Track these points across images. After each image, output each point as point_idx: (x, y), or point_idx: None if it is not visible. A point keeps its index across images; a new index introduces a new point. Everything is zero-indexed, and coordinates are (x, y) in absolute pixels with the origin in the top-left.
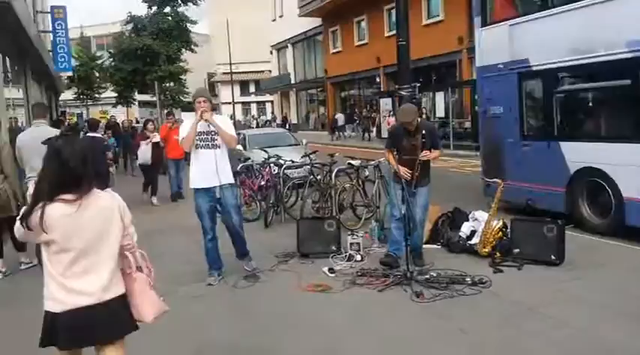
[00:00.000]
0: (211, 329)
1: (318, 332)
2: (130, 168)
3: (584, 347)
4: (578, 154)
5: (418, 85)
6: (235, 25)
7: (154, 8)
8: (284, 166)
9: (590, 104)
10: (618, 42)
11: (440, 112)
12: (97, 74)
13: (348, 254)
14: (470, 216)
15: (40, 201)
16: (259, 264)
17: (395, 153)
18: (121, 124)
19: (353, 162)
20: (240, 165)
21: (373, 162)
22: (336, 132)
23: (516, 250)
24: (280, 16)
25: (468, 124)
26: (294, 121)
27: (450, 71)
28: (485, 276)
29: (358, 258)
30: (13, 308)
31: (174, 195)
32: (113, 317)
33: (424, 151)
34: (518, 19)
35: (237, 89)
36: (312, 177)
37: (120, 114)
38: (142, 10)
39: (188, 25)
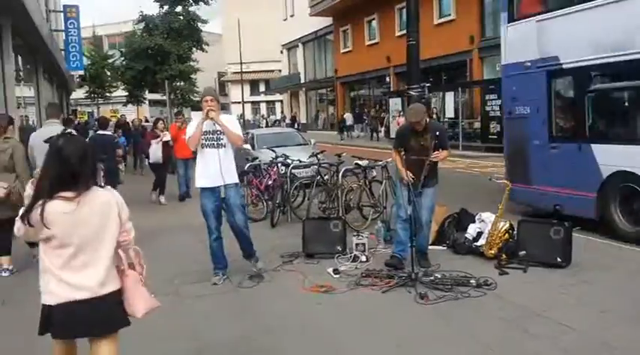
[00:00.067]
0: (214, 329)
1: (321, 333)
2: (139, 167)
3: (589, 350)
4: (611, 157)
5: (428, 85)
6: (246, 24)
7: (166, 7)
8: (291, 166)
9: (626, 104)
10: None
11: (450, 112)
12: (108, 73)
13: (353, 254)
14: (477, 217)
15: (40, 198)
16: (264, 264)
17: (402, 153)
18: (131, 123)
19: (360, 162)
20: (248, 164)
21: (381, 163)
22: (345, 132)
23: (522, 252)
24: (291, 16)
25: (477, 125)
26: (304, 121)
27: (460, 71)
28: (491, 278)
29: (363, 258)
30: (19, 304)
31: (182, 194)
32: (108, 311)
33: (435, 152)
34: (547, 15)
35: (247, 89)
36: (319, 177)
37: (130, 113)
38: (153, 9)
39: (199, 24)
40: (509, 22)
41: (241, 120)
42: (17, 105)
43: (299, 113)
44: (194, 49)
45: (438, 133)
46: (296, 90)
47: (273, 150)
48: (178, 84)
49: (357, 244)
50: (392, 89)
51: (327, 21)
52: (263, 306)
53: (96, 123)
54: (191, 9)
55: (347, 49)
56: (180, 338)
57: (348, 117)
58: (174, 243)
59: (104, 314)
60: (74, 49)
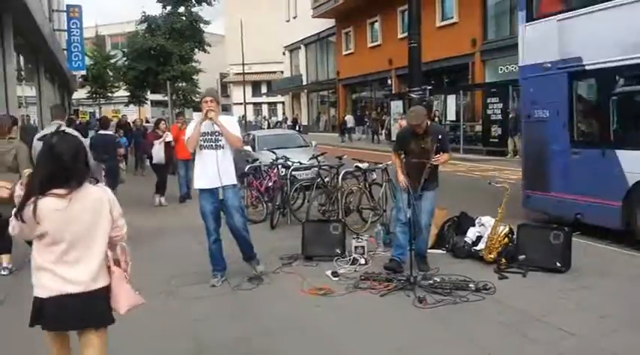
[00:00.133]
0: (212, 331)
1: (318, 336)
2: (140, 167)
3: None
4: (638, 164)
5: (429, 87)
6: (249, 25)
7: (169, 8)
8: (291, 168)
9: None
10: None
11: (451, 115)
12: (111, 73)
13: (352, 257)
14: (476, 221)
15: (32, 195)
16: (265, 267)
17: (403, 156)
18: (132, 123)
19: (360, 164)
20: (248, 166)
21: (381, 166)
22: (346, 135)
23: (522, 256)
24: (294, 17)
25: (478, 128)
26: (305, 123)
27: (462, 74)
28: (490, 283)
29: (362, 261)
30: (18, 303)
31: (183, 195)
32: (98, 306)
33: (436, 155)
34: (569, 14)
35: (249, 90)
36: (319, 179)
37: (132, 114)
38: (156, 9)
39: (201, 25)
40: (527, 22)
41: (243, 122)
42: (18, 104)
43: (300, 115)
44: (196, 49)
45: (439, 136)
46: (298, 92)
47: (273, 152)
48: (180, 85)
49: (356, 247)
50: (394, 91)
51: (329, 23)
52: (261, 308)
53: (97, 123)
54: (194, 10)
55: (349, 51)
56: (178, 340)
57: (349, 120)
58: (174, 244)
59: (95, 308)
60: (76, 48)
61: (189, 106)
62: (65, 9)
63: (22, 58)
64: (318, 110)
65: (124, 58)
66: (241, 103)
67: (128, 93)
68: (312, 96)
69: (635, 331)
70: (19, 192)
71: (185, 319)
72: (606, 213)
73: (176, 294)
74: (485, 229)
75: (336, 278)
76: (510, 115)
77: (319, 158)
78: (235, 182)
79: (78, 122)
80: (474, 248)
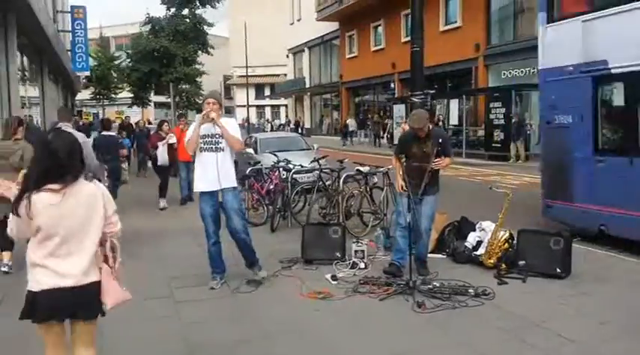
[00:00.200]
0: (210, 334)
1: (316, 339)
2: (142, 169)
3: None
4: None
5: (431, 92)
6: (253, 28)
7: (173, 10)
8: (293, 171)
9: None
10: None
11: (454, 120)
12: (114, 74)
13: (352, 261)
14: (477, 226)
15: (28, 190)
16: (267, 273)
17: (404, 160)
18: (135, 125)
19: (361, 168)
20: (250, 168)
21: (382, 169)
22: (348, 138)
23: (522, 262)
24: (298, 20)
25: (481, 132)
26: (308, 126)
27: (465, 78)
28: (489, 288)
29: (362, 265)
30: (17, 303)
31: (184, 198)
32: (89, 299)
33: (436, 159)
34: (594, 14)
35: (252, 92)
36: (320, 182)
37: (135, 115)
38: (161, 11)
39: (205, 27)
40: (548, 23)
41: (246, 124)
42: (22, 105)
43: (303, 118)
44: (200, 51)
45: (440, 140)
46: (301, 95)
47: (275, 155)
48: (184, 86)
49: (356, 251)
50: (396, 95)
51: (333, 26)
52: (260, 311)
53: (100, 124)
54: (198, 12)
55: (352, 55)
56: (176, 342)
57: (351, 123)
58: (174, 246)
59: (85, 301)
60: (80, 49)
61: (193, 108)
62: (69, 10)
63: (25, 58)
64: (321, 113)
65: (128, 60)
66: (244, 106)
67: (132, 95)
68: (315, 99)
69: (635, 337)
70: (16, 191)
71: (183, 321)
72: (633, 224)
73: (175, 296)
74: (485, 234)
75: (336, 282)
76: (513, 120)
77: (320, 161)
78: (235, 185)
79: (81, 123)
80: (474, 253)
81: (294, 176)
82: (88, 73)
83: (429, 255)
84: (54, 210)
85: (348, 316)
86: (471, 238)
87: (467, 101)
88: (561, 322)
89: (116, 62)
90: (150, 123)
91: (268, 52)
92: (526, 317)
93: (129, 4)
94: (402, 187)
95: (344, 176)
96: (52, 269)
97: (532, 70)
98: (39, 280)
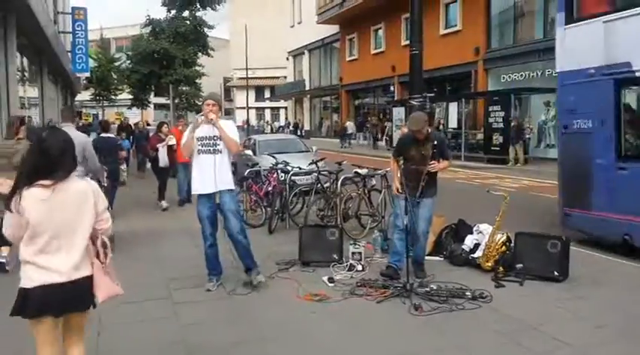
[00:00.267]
0: (205, 335)
1: (311, 342)
2: (141, 170)
3: None
4: None
5: (430, 95)
6: (254, 30)
7: (173, 12)
8: (291, 173)
9: None
10: None
11: (453, 123)
12: (114, 76)
13: (349, 263)
14: (474, 228)
15: (19, 185)
16: (265, 278)
17: (402, 162)
18: (134, 125)
19: (360, 170)
20: (248, 170)
21: (380, 172)
22: (346, 140)
23: (519, 265)
24: (299, 23)
25: (480, 136)
26: (307, 128)
27: (464, 82)
28: (486, 291)
29: (359, 267)
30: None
31: (182, 199)
32: (81, 293)
33: (432, 162)
34: (616, 15)
35: (252, 94)
36: (318, 184)
37: (135, 116)
38: (161, 13)
39: (205, 29)
40: (567, 24)
41: (245, 126)
42: (20, 105)
43: (303, 120)
44: (200, 53)
45: (436, 143)
46: (301, 97)
47: (273, 157)
48: (184, 88)
49: (353, 253)
50: (396, 98)
51: (333, 29)
52: (257, 313)
53: (99, 125)
54: (198, 14)
55: (353, 57)
56: (171, 344)
57: (350, 126)
58: (173, 247)
59: (77, 295)
60: (80, 51)
61: (193, 110)
62: (70, 11)
63: (25, 59)
64: (321, 115)
65: (128, 61)
66: (244, 108)
67: (131, 96)
68: (314, 102)
69: (631, 342)
70: (8, 187)
71: (180, 323)
72: None
73: (173, 297)
74: (483, 237)
75: (332, 284)
76: (512, 124)
77: (319, 163)
78: (232, 187)
79: (80, 124)
80: (472, 255)
81: (293, 178)
82: (88, 74)
83: (427, 258)
84: (43, 205)
85: (344, 318)
86: (469, 241)
87: (466, 104)
88: (558, 325)
89: (116, 63)
90: (148, 124)
91: (268, 54)
92: (523, 320)
93: (130, 5)
94: (397, 189)
95: (342, 178)
96: (43, 265)
97: (531, 74)
98: (30, 276)
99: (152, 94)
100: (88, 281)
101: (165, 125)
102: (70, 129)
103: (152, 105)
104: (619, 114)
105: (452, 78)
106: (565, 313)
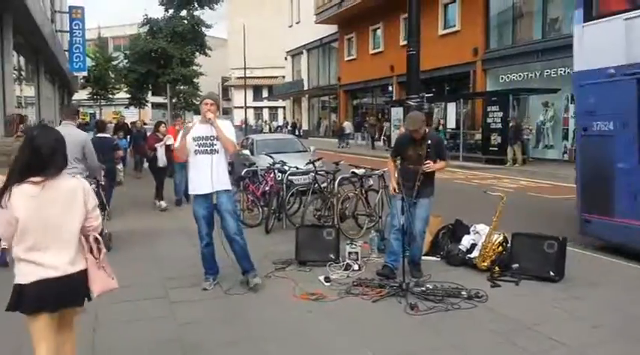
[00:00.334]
0: (201, 335)
1: (307, 341)
2: (139, 169)
3: None
4: None
5: (427, 95)
6: (252, 30)
7: (171, 11)
8: (288, 172)
9: None
10: None
11: (451, 123)
12: (112, 75)
13: (345, 263)
14: (471, 229)
15: (11, 182)
16: (261, 280)
17: (399, 162)
18: (130, 124)
19: (357, 170)
20: (245, 169)
21: (377, 172)
22: (344, 140)
23: (515, 265)
24: (297, 22)
25: (478, 136)
26: (306, 128)
27: (463, 82)
28: (482, 291)
29: (356, 267)
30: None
31: (179, 199)
32: (75, 288)
33: (427, 162)
34: (639, 12)
35: (250, 94)
36: (315, 184)
37: (133, 116)
38: (159, 12)
39: (203, 29)
40: (585, 21)
41: (243, 126)
42: (17, 104)
43: (301, 120)
44: (197, 53)
45: (430, 142)
46: (299, 97)
47: (270, 156)
48: (182, 88)
49: (350, 253)
50: (394, 98)
51: (332, 28)
52: (253, 313)
53: (95, 125)
54: (196, 13)
55: (351, 57)
56: (167, 343)
57: (347, 126)
58: (170, 246)
59: (72, 289)
60: (78, 50)
61: (190, 109)
62: (68, 10)
63: (22, 57)
64: (319, 115)
65: (125, 60)
66: (242, 107)
67: (129, 96)
68: (313, 102)
69: (627, 342)
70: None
71: (176, 322)
72: None
73: (170, 297)
74: (479, 237)
75: (329, 284)
76: (510, 124)
77: (316, 163)
78: (229, 187)
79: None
80: (468, 256)
81: (290, 178)
82: (85, 73)
83: (424, 258)
84: (33, 202)
85: (340, 317)
86: (465, 241)
87: (464, 105)
88: (553, 325)
89: (114, 63)
90: (145, 123)
91: (266, 53)
92: (518, 320)
93: (127, 5)
94: (394, 189)
95: (339, 178)
96: (36, 262)
97: (530, 75)
98: (25, 272)
99: (149, 93)
100: (83, 275)
101: (163, 124)
102: (70, 127)
103: (150, 105)
104: None
105: (450, 78)
106: (561, 313)
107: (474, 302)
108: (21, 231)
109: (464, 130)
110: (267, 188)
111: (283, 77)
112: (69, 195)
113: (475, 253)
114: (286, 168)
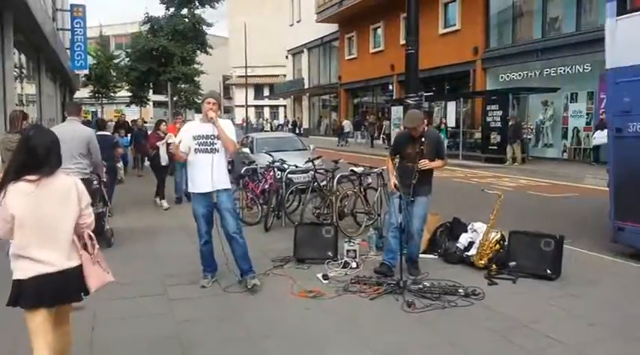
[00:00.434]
0: (199, 332)
1: (304, 339)
2: (139, 167)
3: None
4: None
5: (427, 94)
6: (253, 28)
7: (172, 9)
8: (287, 171)
9: None
10: None
11: (451, 122)
12: (113, 73)
13: (343, 261)
14: (469, 227)
15: (7, 179)
16: (260, 281)
17: (397, 160)
18: (131, 122)
19: (356, 168)
20: (244, 167)
21: (376, 170)
22: (344, 139)
23: (513, 263)
24: (298, 21)
25: (478, 135)
26: (306, 126)
27: (463, 81)
28: (479, 288)
29: (354, 265)
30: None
31: (179, 197)
32: (73, 282)
33: (422, 160)
34: None
35: (251, 92)
36: (314, 182)
37: (134, 114)
38: (160, 11)
39: (204, 27)
40: (619, 15)
41: (244, 124)
42: (18, 102)
43: (302, 118)
44: (198, 51)
45: (427, 140)
46: (300, 96)
47: (269, 155)
48: (183, 86)
49: (348, 250)
50: (395, 97)
51: (333, 27)
52: (251, 310)
53: (96, 124)
54: (197, 12)
55: (352, 56)
56: (164, 340)
57: (347, 125)
58: (170, 244)
59: (70, 284)
60: (79, 48)
61: (192, 107)
62: (69, 8)
63: (23, 55)
64: (320, 114)
65: (127, 59)
66: (243, 106)
67: (130, 94)
68: (313, 100)
69: (624, 340)
70: None
71: (174, 319)
72: None
73: (169, 294)
74: (477, 235)
75: (327, 281)
76: (510, 123)
77: (315, 161)
78: (229, 186)
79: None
80: (466, 253)
81: (289, 176)
82: (86, 72)
83: (421, 256)
84: (28, 199)
85: (338, 315)
86: (463, 239)
87: (464, 104)
88: (550, 323)
89: (115, 61)
90: (145, 122)
91: (267, 52)
92: (515, 317)
93: (129, 3)
94: (394, 186)
95: (338, 176)
96: (33, 258)
97: (530, 74)
98: (23, 268)
99: (151, 92)
100: (79, 271)
101: (164, 123)
102: (76, 123)
103: (151, 103)
104: None
105: (450, 77)
106: (558, 311)
107: (470, 300)
108: (18, 227)
109: (463, 129)
110: (266, 186)
111: (284, 76)
112: (64, 193)
113: (472, 251)
114: (286, 166)
